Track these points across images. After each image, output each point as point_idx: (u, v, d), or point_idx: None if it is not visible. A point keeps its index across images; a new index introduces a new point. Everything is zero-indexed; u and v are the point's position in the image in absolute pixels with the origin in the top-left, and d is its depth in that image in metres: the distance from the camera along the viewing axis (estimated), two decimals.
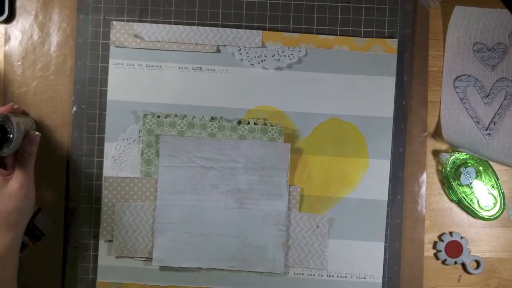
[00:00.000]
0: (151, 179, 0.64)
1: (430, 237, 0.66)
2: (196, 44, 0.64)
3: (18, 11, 0.65)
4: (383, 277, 0.64)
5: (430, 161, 0.66)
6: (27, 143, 0.57)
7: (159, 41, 0.64)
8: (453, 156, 0.65)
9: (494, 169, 0.65)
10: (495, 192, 0.65)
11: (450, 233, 0.66)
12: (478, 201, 0.65)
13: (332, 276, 0.64)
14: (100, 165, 0.64)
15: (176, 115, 0.64)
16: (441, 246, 0.65)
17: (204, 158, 0.63)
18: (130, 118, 0.64)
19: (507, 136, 0.62)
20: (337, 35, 0.65)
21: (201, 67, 0.64)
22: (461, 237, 0.65)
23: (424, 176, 0.65)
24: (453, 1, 0.64)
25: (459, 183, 0.65)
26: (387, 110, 0.64)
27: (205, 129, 0.64)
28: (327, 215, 0.64)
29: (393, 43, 0.64)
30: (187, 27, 0.64)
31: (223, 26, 0.65)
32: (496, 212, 0.65)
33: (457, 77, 0.64)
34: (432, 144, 0.66)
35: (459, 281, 0.66)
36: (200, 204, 0.63)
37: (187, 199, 0.63)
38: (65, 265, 0.64)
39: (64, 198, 0.64)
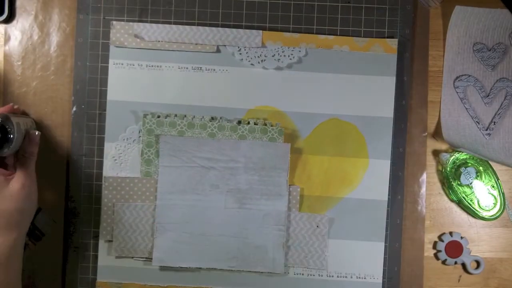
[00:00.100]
0: (151, 179, 0.64)
1: (430, 237, 0.66)
2: (196, 44, 0.64)
3: (18, 11, 0.65)
4: (383, 277, 0.64)
5: (430, 161, 0.66)
6: (28, 143, 0.57)
7: (159, 41, 0.64)
8: (453, 156, 0.65)
9: (494, 169, 0.65)
10: (495, 192, 0.65)
11: (450, 233, 0.66)
12: (478, 201, 0.65)
13: (332, 276, 0.64)
14: (100, 165, 0.64)
15: (176, 115, 0.64)
16: (441, 246, 0.65)
17: (204, 158, 0.63)
18: (130, 118, 0.64)
19: (507, 136, 0.62)
20: (337, 35, 0.65)
21: (201, 67, 0.64)
22: (461, 237, 0.65)
23: (424, 176, 0.65)
24: (453, 1, 0.64)
25: (459, 183, 0.65)
26: (387, 110, 0.64)
27: (205, 129, 0.64)
28: (327, 215, 0.64)
29: (393, 43, 0.64)
30: (187, 27, 0.64)
31: (223, 26, 0.65)
32: (496, 212, 0.65)
33: (457, 77, 0.64)
34: (432, 144, 0.66)
35: (459, 281, 0.66)
36: (200, 204, 0.63)
37: (187, 199, 0.63)
38: (65, 265, 0.64)
39: (64, 198, 0.64)
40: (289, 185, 0.64)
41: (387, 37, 0.65)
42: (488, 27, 0.63)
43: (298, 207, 0.64)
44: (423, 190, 0.65)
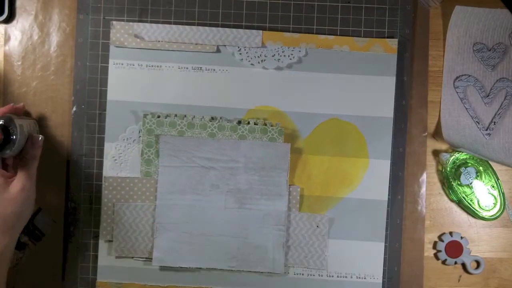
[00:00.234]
0: (151, 179, 0.64)
1: (430, 237, 0.66)
2: (196, 44, 0.64)
3: (18, 11, 0.65)
4: (383, 277, 0.64)
5: (430, 161, 0.66)
6: (30, 146, 0.56)
7: (159, 41, 0.64)
8: (453, 156, 0.65)
9: (494, 169, 0.65)
10: (495, 192, 0.65)
11: (450, 233, 0.66)
12: (478, 201, 0.65)
13: (332, 276, 0.64)
14: (100, 165, 0.64)
15: (176, 115, 0.64)
16: (441, 246, 0.65)
17: (204, 158, 0.63)
18: (130, 118, 0.64)
19: (507, 136, 0.62)
20: (337, 35, 0.65)
21: (201, 67, 0.64)
22: (461, 237, 0.65)
23: (424, 176, 0.65)
24: (453, 1, 0.64)
25: (459, 183, 0.65)
26: (387, 110, 0.64)
27: (205, 129, 0.64)
28: (327, 215, 0.64)
29: (393, 43, 0.64)
30: (187, 27, 0.64)
31: (223, 26, 0.65)
32: (496, 212, 0.65)
33: (457, 77, 0.64)
34: (432, 144, 0.66)
35: (459, 281, 0.66)
36: (200, 204, 0.63)
37: (187, 199, 0.63)
38: (65, 265, 0.64)
39: (64, 198, 0.64)
40: (289, 185, 0.64)
41: (387, 37, 0.65)
42: (488, 27, 0.63)
43: (298, 207, 0.64)
44: (423, 190, 0.65)
